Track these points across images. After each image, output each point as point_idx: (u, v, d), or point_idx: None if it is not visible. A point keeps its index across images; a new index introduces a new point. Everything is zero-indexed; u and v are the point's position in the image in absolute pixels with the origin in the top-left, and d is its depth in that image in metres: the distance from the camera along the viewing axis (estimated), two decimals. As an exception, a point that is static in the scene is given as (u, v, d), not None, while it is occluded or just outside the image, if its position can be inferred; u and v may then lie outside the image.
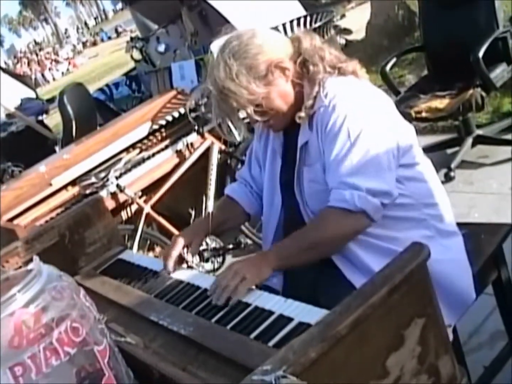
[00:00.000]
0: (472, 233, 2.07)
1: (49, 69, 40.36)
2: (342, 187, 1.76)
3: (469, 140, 4.25)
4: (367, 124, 1.79)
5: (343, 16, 11.14)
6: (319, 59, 1.91)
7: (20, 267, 2.10)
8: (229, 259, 3.96)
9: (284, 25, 5.69)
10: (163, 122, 4.06)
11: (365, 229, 1.81)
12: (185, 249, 2.05)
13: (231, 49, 1.86)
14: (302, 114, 1.88)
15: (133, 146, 4.00)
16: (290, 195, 2.00)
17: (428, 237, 1.89)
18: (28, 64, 42.72)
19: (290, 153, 2.00)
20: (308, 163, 1.92)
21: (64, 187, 3.75)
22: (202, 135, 4.12)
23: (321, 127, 1.85)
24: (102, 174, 3.72)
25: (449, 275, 1.87)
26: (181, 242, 2.03)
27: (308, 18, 6.06)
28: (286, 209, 2.06)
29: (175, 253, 2.01)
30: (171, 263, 1.99)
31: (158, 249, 3.96)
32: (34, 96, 10.83)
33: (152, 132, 4.05)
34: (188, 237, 2.06)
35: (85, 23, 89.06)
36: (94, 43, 54.02)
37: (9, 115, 8.89)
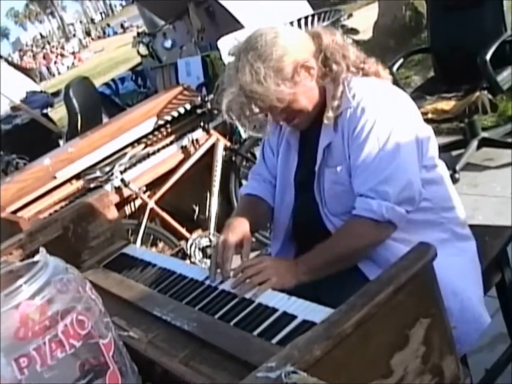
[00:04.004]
0: (476, 235, 2.06)
1: (55, 62, 40.38)
2: (370, 195, 1.76)
3: (474, 143, 4.25)
4: (395, 128, 1.78)
5: (350, 15, 11.10)
6: (342, 57, 1.89)
7: (23, 259, 2.10)
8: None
9: (291, 23, 5.68)
10: (168, 118, 4.05)
11: (389, 237, 1.81)
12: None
13: (256, 51, 1.81)
14: (330, 114, 1.86)
15: (138, 141, 3.99)
16: (307, 195, 1.97)
17: (444, 240, 1.89)
18: (34, 57, 42.73)
19: (308, 152, 1.98)
20: (331, 165, 1.89)
21: (68, 180, 3.74)
22: (208, 132, 4.12)
23: (348, 129, 1.83)
24: (107, 169, 3.71)
25: (462, 279, 1.88)
26: (232, 244, 1.89)
27: (316, 17, 6.05)
28: (299, 208, 2.03)
29: (231, 255, 1.87)
30: (228, 267, 1.84)
31: (161, 245, 3.95)
32: (39, 89, 10.84)
33: (157, 128, 4.04)
34: (236, 238, 1.91)
35: (91, 19, 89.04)
36: (100, 38, 54.02)
37: (14, 108, 8.89)
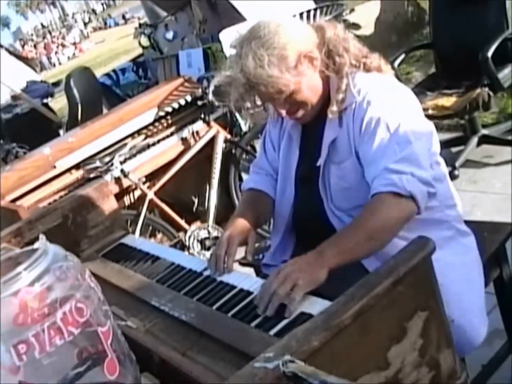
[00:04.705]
0: (475, 231, 2.07)
1: (56, 52, 40.28)
2: (387, 173, 1.69)
3: (474, 140, 4.24)
4: (404, 118, 1.77)
5: (352, 10, 11.08)
6: (344, 50, 1.88)
7: (22, 247, 2.10)
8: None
9: (293, 17, 5.67)
10: (169, 109, 4.05)
11: (413, 217, 1.71)
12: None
13: (259, 39, 1.79)
14: (334, 108, 1.84)
15: (138, 131, 4.00)
16: (309, 190, 1.96)
17: (449, 237, 1.89)
18: (35, 47, 42.67)
19: (310, 147, 1.97)
20: (336, 161, 1.88)
21: (68, 170, 3.74)
22: (208, 124, 4.12)
23: (354, 123, 1.82)
24: (107, 159, 3.71)
25: (469, 277, 1.89)
26: (236, 240, 1.88)
27: (318, 11, 6.04)
28: (301, 202, 2.02)
29: (234, 251, 1.85)
30: (231, 262, 1.82)
31: (160, 236, 3.96)
32: (39, 79, 10.84)
33: (158, 119, 4.04)
34: (240, 235, 1.91)
35: (93, 10, 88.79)
36: (101, 28, 53.91)
37: (14, 97, 8.89)
